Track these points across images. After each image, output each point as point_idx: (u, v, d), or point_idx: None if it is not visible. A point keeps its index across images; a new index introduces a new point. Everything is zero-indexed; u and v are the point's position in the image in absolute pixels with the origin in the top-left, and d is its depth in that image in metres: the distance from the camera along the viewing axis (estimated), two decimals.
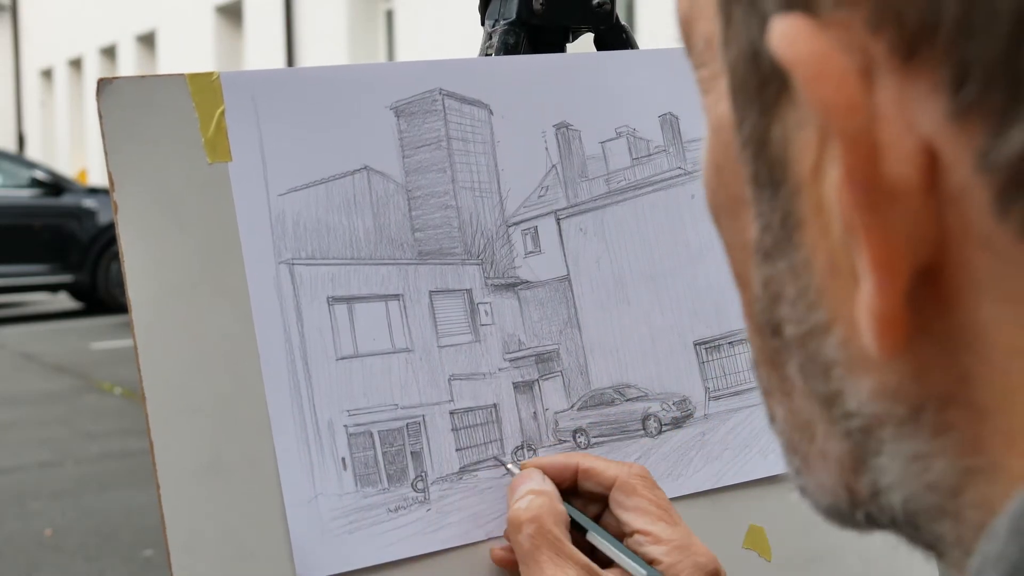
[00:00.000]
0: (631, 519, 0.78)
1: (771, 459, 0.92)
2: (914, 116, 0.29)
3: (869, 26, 0.29)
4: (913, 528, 0.34)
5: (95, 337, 10.30)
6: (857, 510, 0.36)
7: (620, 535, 0.79)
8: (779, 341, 0.36)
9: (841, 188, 0.31)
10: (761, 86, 0.34)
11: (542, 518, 0.76)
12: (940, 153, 0.29)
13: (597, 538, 0.78)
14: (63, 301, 12.90)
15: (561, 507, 0.78)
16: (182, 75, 0.80)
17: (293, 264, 0.81)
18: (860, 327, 0.32)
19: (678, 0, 0.39)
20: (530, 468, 0.81)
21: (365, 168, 0.84)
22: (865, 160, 0.30)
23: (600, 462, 0.81)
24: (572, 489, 0.81)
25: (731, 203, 0.37)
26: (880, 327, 0.31)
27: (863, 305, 0.31)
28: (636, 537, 0.78)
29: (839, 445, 0.35)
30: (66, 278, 11.76)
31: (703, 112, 0.39)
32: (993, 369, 0.31)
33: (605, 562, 0.77)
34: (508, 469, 0.84)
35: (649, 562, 0.76)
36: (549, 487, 0.79)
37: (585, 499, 0.81)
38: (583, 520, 0.79)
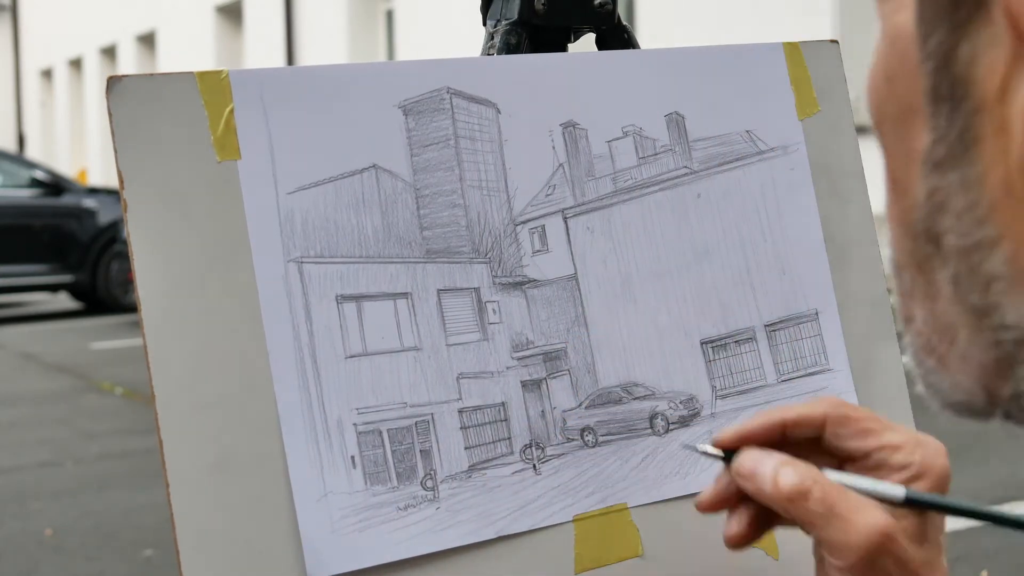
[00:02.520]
0: (861, 443, 0.78)
1: None
2: None
3: None
4: None
5: (95, 337, 10.30)
6: (995, 408, 0.38)
7: (842, 464, 0.78)
8: (933, 248, 0.38)
9: None
10: (955, 4, 0.35)
11: (819, 477, 0.75)
12: None
13: (842, 478, 0.76)
14: (63, 301, 12.90)
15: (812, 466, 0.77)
16: (191, 73, 0.80)
17: (302, 262, 0.81)
18: None
19: None
20: (750, 450, 0.78)
21: (373, 166, 0.84)
22: None
23: (801, 408, 0.79)
24: (777, 444, 0.79)
25: (901, 112, 0.38)
26: None
27: (1012, 231, 0.33)
28: (874, 456, 0.77)
29: (985, 352, 0.37)
30: (66, 278, 11.76)
31: (878, 19, 0.40)
32: None
33: None
34: (708, 453, 0.79)
35: (901, 468, 0.76)
36: (787, 456, 0.77)
37: (791, 446, 0.79)
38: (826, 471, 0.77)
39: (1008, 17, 0.32)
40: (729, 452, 0.78)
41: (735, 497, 0.78)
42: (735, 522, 0.79)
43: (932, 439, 0.78)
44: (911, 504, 0.75)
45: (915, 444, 0.77)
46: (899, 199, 0.40)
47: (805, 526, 0.75)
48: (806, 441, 0.79)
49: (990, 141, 0.35)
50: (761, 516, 0.78)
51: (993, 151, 0.35)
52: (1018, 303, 0.35)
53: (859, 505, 0.74)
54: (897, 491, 0.75)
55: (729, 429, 0.79)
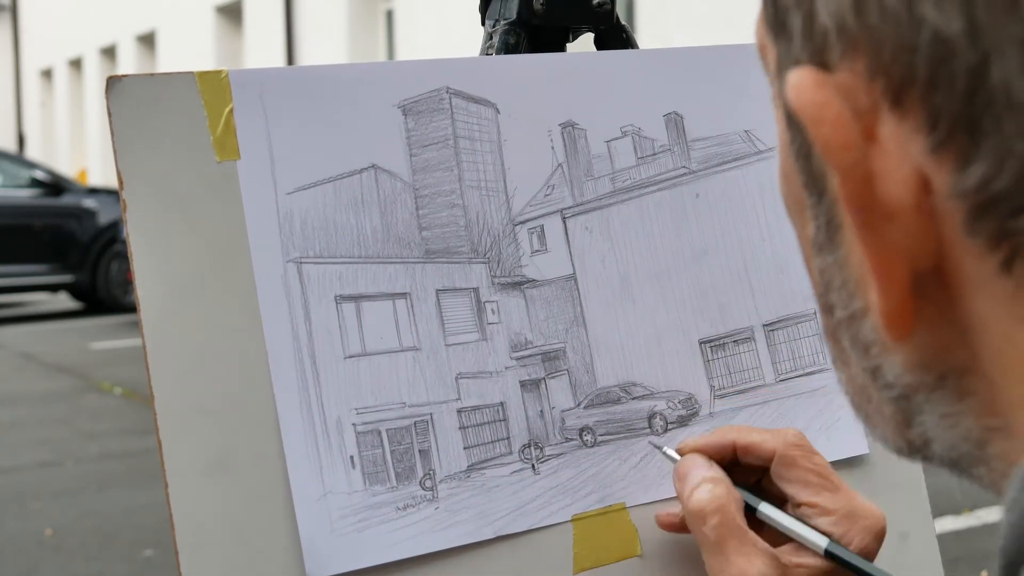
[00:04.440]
0: (795, 492, 0.80)
1: None
2: (908, 148, 0.36)
3: (868, 74, 0.36)
4: (959, 471, 0.41)
5: (95, 337, 10.30)
6: (915, 455, 0.43)
7: (783, 504, 0.81)
8: (834, 320, 0.43)
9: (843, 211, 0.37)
10: None
11: (726, 508, 0.77)
12: (929, 178, 0.35)
13: (769, 514, 0.79)
14: (63, 301, 12.90)
15: (737, 493, 0.79)
16: (191, 73, 0.80)
17: (301, 262, 0.81)
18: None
19: (755, 29, 0.46)
20: (693, 454, 0.82)
21: (373, 167, 0.84)
22: (860, 187, 0.36)
23: (755, 435, 0.82)
24: (729, 465, 0.82)
25: (795, 204, 0.44)
26: (886, 321, 0.38)
27: (872, 304, 0.38)
28: (803, 509, 0.79)
29: (889, 407, 0.42)
30: (66, 278, 11.76)
31: (776, 123, 0.45)
32: (993, 351, 0.37)
33: (774, 538, 0.79)
34: (666, 454, 0.84)
35: (821, 532, 0.78)
36: (720, 473, 0.80)
37: (740, 471, 0.83)
38: (754, 500, 0.80)
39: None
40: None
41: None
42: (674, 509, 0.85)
43: (872, 515, 0.79)
44: (830, 558, 0.77)
45: (845, 515, 0.79)
46: (810, 280, 0.45)
47: (699, 545, 0.78)
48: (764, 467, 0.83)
49: (847, 227, 0.39)
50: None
51: (851, 236, 0.39)
52: (891, 363, 0.40)
53: (745, 551, 0.76)
54: (820, 541, 0.77)
55: (691, 439, 0.84)
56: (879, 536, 0.79)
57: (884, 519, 0.79)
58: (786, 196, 0.45)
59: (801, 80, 0.37)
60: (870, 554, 0.78)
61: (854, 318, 0.41)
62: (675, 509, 0.85)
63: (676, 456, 0.83)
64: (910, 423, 0.41)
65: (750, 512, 0.80)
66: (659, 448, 0.86)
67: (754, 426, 0.91)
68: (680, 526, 0.85)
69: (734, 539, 0.76)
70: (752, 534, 0.77)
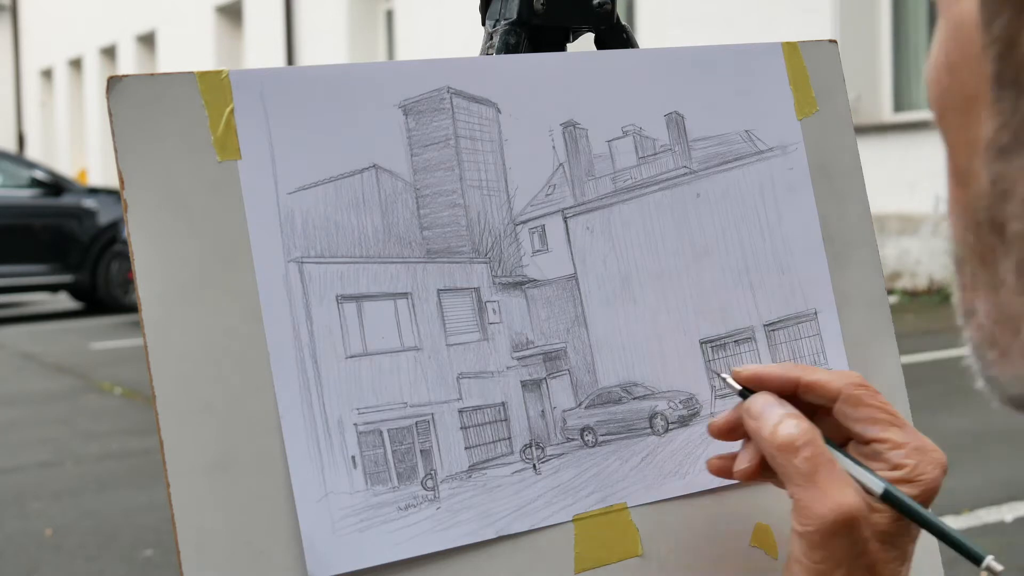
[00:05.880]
0: (863, 429, 0.79)
1: None
2: None
3: None
4: None
5: (95, 337, 10.31)
6: None
7: (846, 442, 0.80)
8: (997, 238, 0.38)
9: None
10: None
11: (816, 440, 0.77)
12: None
13: (833, 455, 0.78)
14: (63, 301, 12.90)
15: (816, 427, 0.78)
16: (191, 73, 0.80)
17: (302, 262, 0.81)
18: None
19: None
20: (764, 393, 0.81)
21: (374, 166, 0.84)
22: None
23: (821, 374, 0.81)
24: (791, 398, 0.81)
25: (964, 101, 0.38)
26: None
27: None
28: (873, 446, 0.79)
29: None
30: (66, 278, 11.77)
31: (939, 8, 0.40)
32: None
33: None
34: (727, 381, 0.83)
35: (892, 467, 0.78)
36: (794, 410, 0.80)
37: (802, 409, 0.81)
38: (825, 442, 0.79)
39: None
40: (749, 391, 0.82)
41: (743, 431, 0.81)
42: (745, 457, 0.82)
43: (936, 450, 0.79)
44: (887, 500, 0.76)
45: (914, 449, 0.78)
46: (962, 190, 0.40)
47: (786, 480, 0.77)
48: (822, 406, 0.81)
49: None
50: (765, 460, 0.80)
51: None
52: None
53: (839, 481, 0.75)
54: (878, 484, 0.77)
55: (749, 367, 0.83)
56: (944, 471, 0.79)
57: (945, 457, 0.79)
58: (945, 92, 0.40)
59: None
60: (937, 487, 0.78)
61: None
62: (724, 417, 0.84)
63: (738, 387, 0.83)
64: None
65: None
66: (719, 375, 0.85)
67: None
68: (729, 470, 0.83)
69: (825, 470, 0.76)
70: (841, 467, 0.77)
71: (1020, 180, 0.36)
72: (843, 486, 0.75)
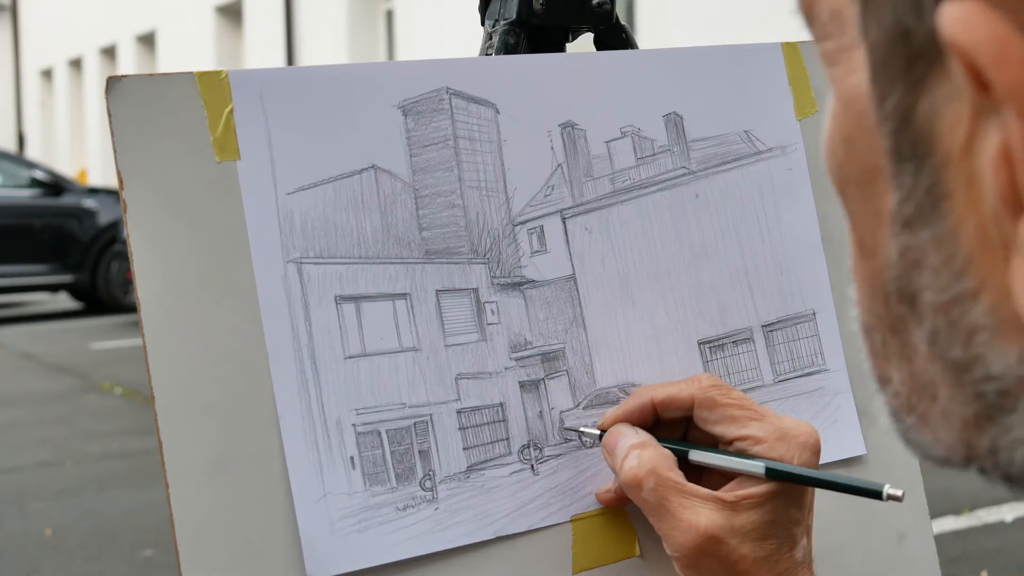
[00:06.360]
0: (723, 430, 0.80)
1: None
2: None
3: None
4: None
5: (95, 337, 10.31)
6: (971, 463, 0.38)
7: (715, 446, 0.81)
8: (906, 308, 0.38)
9: (1018, 165, 0.31)
10: (910, 62, 0.35)
11: (657, 468, 0.78)
12: None
13: (702, 456, 0.80)
14: (63, 301, 12.90)
15: (664, 450, 0.80)
16: (191, 73, 0.80)
17: (301, 263, 0.81)
18: (1014, 295, 0.33)
19: None
20: (616, 425, 0.83)
21: (372, 167, 0.84)
22: None
23: (670, 387, 0.83)
24: (654, 423, 0.83)
25: (862, 174, 0.38)
26: None
27: (991, 283, 0.33)
28: (736, 444, 0.80)
29: (966, 406, 0.37)
30: (66, 278, 11.77)
31: (829, 84, 0.40)
32: None
33: (714, 482, 0.79)
34: (584, 432, 0.85)
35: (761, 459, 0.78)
36: (644, 436, 0.81)
37: (666, 425, 0.83)
38: (683, 447, 0.81)
39: (968, 70, 0.32)
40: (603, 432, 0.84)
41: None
42: (611, 485, 0.85)
43: (802, 433, 0.79)
44: (772, 476, 0.77)
45: (778, 438, 0.79)
46: (867, 261, 0.40)
47: (644, 512, 0.79)
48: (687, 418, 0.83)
49: (960, 194, 0.34)
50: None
51: (964, 203, 0.34)
52: (1002, 353, 0.35)
53: (689, 504, 0.76)
54: (757, 466, 0.78)
55: (611, 411, 0.85)
56: (815, 450, 0.79)
57: (816, 433, 0.79)
58: (843, 166, 0.40)
59: (968, 13, 0.31)
60: (810, 468, 0.78)
61: (957, 301, 0.35)
62: (609, 484, 0.86)
63: (595, 432, 0.84)
64: (987, 425, 0.37)
65: (684, 463, 0.80)
66: (575, 430, 0.86)
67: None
68: (618, 499, 0.85)
69: (674, 496, 0.77)
70: (691, 485, 0.77)
71: (929, 251, 0.36)
72: (695, 508, 0.76)
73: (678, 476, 0.78)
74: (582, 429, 0.85)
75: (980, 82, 0.32)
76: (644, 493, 0.78)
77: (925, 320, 0.37)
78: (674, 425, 0.84)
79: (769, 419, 0.80)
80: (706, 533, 0.76)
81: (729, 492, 0.78)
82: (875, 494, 0.76)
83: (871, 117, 0.37)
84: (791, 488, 0.78)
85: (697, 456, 0.80)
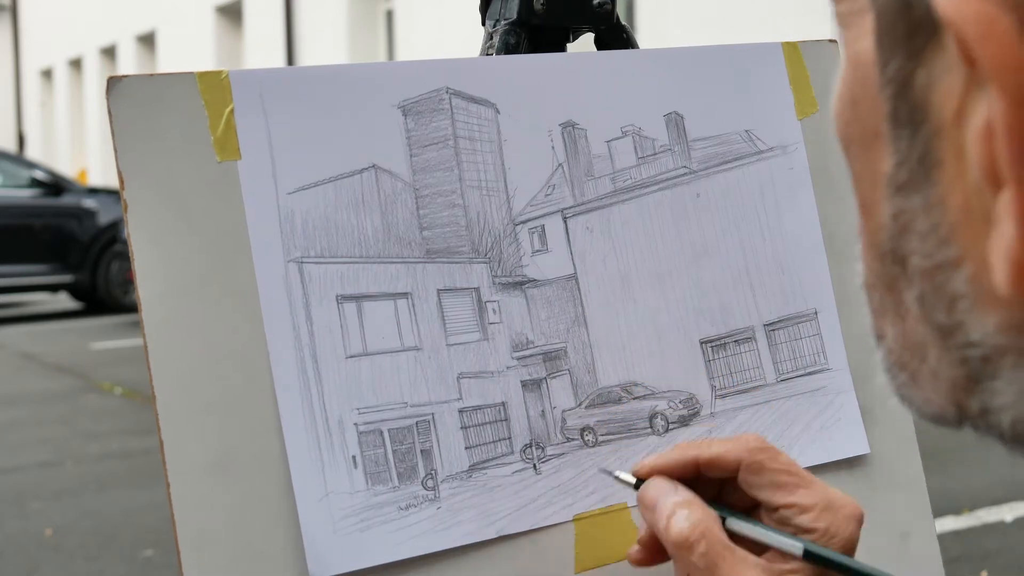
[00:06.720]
0: (769, 496, 0.77)
1: None
2: None
3: None
4: (1021, 445, 0.37)
5: (95, 337, 10.30)
6: (964, 423, 0.39)
7: (755, 507, 0.78)
8: (899, 269, 0.39)
9: (998, 140, 0.32)
10: (910, 32, 0.36)
11: (710, 532, 0.74)
12: None
13: (740, 527, 0.77)
14: (63, 301, 12.90)
15: (713, 512, 0.76)
16: (191, 73, 0.80)
17: (302, 262, 0.81)
18: (993, 267, 0.34)
19: None
20: (656, 479, 0.79)
21: (373, 167, 0.84)
22: None
23: (716, 446, 0.79)
24: (690, 481, 0.79)
25: (864, 136, 0.39)
26: (1016, 271, 0.33)
27: (999, 249, 0.33)
28: (782, 512, 0.77)
29: (953, 369, 0.38)
30: (66, 278, 11.76)
31: (840, 46, 0.41)
32: None
33: (748, 548, 0.76)
34: (620, 479, 0.81)
35: (803, 532, 0.76)
36: (687, 493, 0.77)
37: (700, 484, 0.80)
38: (722, 512, 0.77)
39: (959, 44, 0.33)
40: (642, 481, 0.79)
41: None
42: (644, 542, 0.79)
43: (848, 504, 0.77)
44: (809, 559, 0.75)
45: (824, 510, 0.76)
46: (867, 220, 0.41)
47: (688, 573, 0.75)
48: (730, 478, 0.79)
49: (950, 164, 0.35)
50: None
51: (952, 174, 0.35)
52: (982, 321, 0.36)
53: (739, 569, 0.73)
54: (796, 546, 0.75)
55: (648, 459, 0.80)
56: (860, 523, 0.77)
57: (858, 506, 0.78)
58: (848, 126, 0.41)
59: None
60: (854, 542, 0.77)
61: (941, 268, 0.36)
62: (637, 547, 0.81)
63: (630, 479, 0.80)
64: (974, 388, 0.38)
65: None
66: (611, 474, 0.81)
67: (736, 429, 0.90)
68: (652, 558, 0.80)
69: (725, 561, 0.74)
70: (740, 550, 0.75)
71: (917, 216, 0.37)
72: (745, 573, 0.73)
73: (728, 542, 0.75)
74: (617, 475, 0.81)
75: (969, 57, 0.33)
76: (695, 556, 0.74)
77: (914, 283, 0.38)
78: (708, 484, 0.80)
79: (817, 488, 0.78)
80: None
81: (774, 562, 0.75)
82: None
83: (875, 81, 0.38)
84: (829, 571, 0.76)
85: (735, 525, 0.77)
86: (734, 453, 0.78)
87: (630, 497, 0.88)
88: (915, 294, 0.38)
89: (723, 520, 0.77)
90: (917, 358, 0.40)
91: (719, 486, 0.80)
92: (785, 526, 0.77)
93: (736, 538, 0.77)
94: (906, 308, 0.39)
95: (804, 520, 0.76)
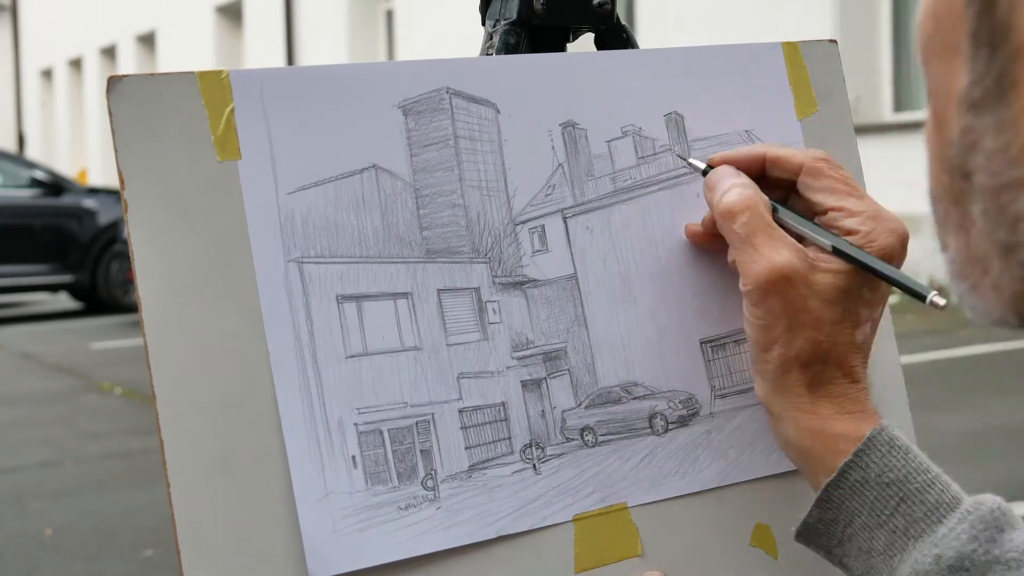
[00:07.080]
0: (822, 198, 0.83)
1: (776, 457, 0.92)
2: None
3: None
4: None
5: (95, 337, 10.31)
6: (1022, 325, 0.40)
7: (812, 215, 0.84)
8: (965, 184, 0.40)
9: None
10: None
11: (755, 206, 0.81)
12: None
13: (787, 216, 0.83)
14: (63, 301, 12.91)
15: (764, 196, 0.83)
16: (192, 73, 0.80)
17: (302, 262, 0.81)
18: None
19: None
20: (723, 165, 0.86)
21: (373, 166, 0.84)
22: None
23: (785, 149, 0.86)
24: (758, 178, 0.85)
25: (944, 51, 0.40)
26: None
27: None
28: (830, 214, 0.82)
29: (1015, 284, 0.39)
30: (66, 278, 11.77)
31: None
32: None
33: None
34: (692, 164, 0.89)
35: (846, 233, 0.81)
36: (748, 180, 0.84)
37: (770, 186, 0.86)
38: (776, 203, 0.84)
39: None
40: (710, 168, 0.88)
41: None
42: (703, 222, 0.89)
43: (894, 220, 0.82)
44: (837, 253, 0.80)
45: (870, 217, 0.82)
46: (937, 134, 0.42)
47: (730, 244, 0.83)
48: (790, 181, 0.86)
49: None
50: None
51: None
52: None
53: (774, 243, 0.80)
54: (827, 239, 0.81)
55: (722, 152, 0.88)
56: (903, 239, 0.82)
57: (906, 228, 0.82)
58: (930, 40, 0.41)
59: None
60: (893, 255, 0.81)
61: (1007, 187, 0.37)
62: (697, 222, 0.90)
63: (700, 164, 0.88)
64: None
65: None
66: (685, 159, 0.90)
67: (736, 430, 0.92)
68: (703, 236, 0.89)
69: (762, 233, 0.80)
70: (780, 231, 0.81)
71: (987, 135, 0.38)
72: (777, 247, 0.79)
73: (770, 219, 0.81)
74: (691, 161, 0.89)
75: None
76: (736, 225, 0.81)
77: (978, 199, 0.39)
78: (775, 188, 0.86)
79: (868, 201, 0.83)
80: (781, 271, 0.78)
81: (814, 253, 0.81)
82: (920, 296, 0.79)
83: None
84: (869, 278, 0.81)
85: (783, 215, 0.83)
86: (799, 157, 0.85)
87: (630, 497, 0.88)
88: (980, 209, 0.39)
89: (775, 211, 0.83)
90: (979, 270, 0.41)
91: (786, 195, 0.86)
92: (831, 227, 0.82)
93: (784, 229, 0.83)
94: (971, 221, 0.40)
95: (849, 222, 0.81)
